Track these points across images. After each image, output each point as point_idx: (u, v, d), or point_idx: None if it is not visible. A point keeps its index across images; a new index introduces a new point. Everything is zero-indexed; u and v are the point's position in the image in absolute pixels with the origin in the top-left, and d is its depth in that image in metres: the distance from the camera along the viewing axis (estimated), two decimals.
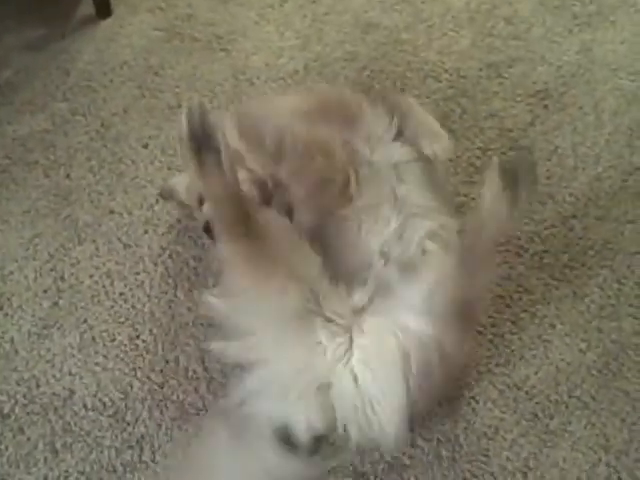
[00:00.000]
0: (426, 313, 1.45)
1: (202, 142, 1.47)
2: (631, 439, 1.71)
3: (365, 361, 1.46)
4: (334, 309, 1.49)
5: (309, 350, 1.47)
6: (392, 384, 1.45)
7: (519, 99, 2.23)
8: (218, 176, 1.48)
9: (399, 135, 1.72)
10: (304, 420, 1.46)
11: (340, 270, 1.55)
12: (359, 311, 1.51)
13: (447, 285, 1.47)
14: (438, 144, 1.74)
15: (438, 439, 1.70)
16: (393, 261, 1.56)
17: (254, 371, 1.50)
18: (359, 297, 1.52)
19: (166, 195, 1.99)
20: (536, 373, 1.79)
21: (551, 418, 1.74)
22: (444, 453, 1.69)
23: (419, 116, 1.79)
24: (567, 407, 1.75)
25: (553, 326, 1.85)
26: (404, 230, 1.58)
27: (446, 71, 2.29)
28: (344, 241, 1.60)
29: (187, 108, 1.48)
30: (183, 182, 1.91)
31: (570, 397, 1.76)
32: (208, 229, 1.73)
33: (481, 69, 2.30)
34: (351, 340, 1.47)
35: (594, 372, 1.79)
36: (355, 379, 1.46)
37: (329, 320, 1.48)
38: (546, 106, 2.21)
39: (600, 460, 1.69)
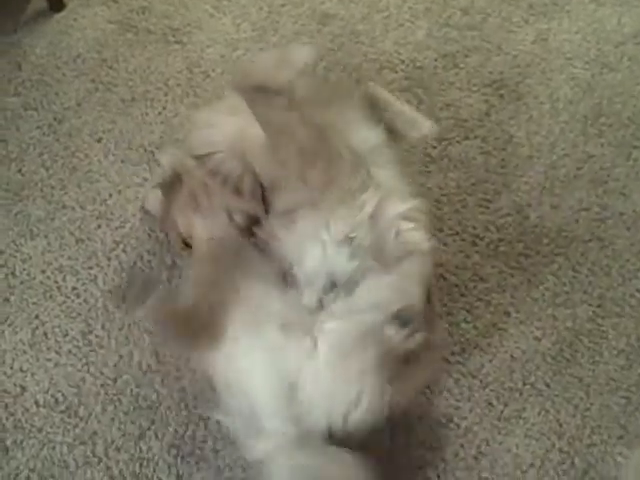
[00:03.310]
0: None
1: None
2: (584, 425, 1.72)
3: (330, 360, 1.46)
4: (287, 314, 1.49)
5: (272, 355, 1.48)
6: (357, 381, 1.46)
7: (475, 89, 2.23)
8: None
9: (376, 121, 1.73)
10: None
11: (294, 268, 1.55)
12: (315, 311, 1.51)
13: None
14: (424, 127, 1.80)
15: (392, 428, 1.69)
16: (360, 248, 1.54)
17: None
18: (309, 298, 1.52)
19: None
20: (491, 361, 1.80)
21: (505, 405, 1.75)
22: (398, 441, 1.69)
23: (395, 104, 1.81)
24: (521, 394, 1.76)
25: (508, 314, 1.86)
26: (379, 212, 1.57)
27: (402, 62, 2.29)
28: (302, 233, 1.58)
29: None
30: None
31: (524, 384, 1.77)
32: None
33: (437, 59, 2.29)
34: (315, 340, 1.46)
35: (548, 359, 1.80)
36: (322, 378, 1.46)
37: (285, 326, 1.48)
38: (502, 96, 2.22)
39: (553, 446, 1.70)
